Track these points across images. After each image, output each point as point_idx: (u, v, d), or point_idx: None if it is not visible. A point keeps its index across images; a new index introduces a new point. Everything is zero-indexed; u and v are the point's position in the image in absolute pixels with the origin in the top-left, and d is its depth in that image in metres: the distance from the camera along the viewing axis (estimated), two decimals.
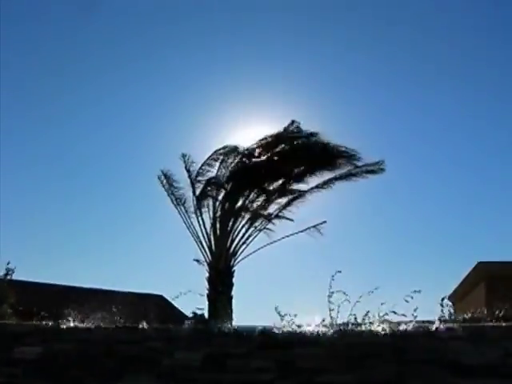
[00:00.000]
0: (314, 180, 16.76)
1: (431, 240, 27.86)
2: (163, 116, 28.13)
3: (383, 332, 5.79)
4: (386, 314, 6.26)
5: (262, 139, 16.31)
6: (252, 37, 26.61)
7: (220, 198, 16.41)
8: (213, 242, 16.02)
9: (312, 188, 16.80)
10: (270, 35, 25.04)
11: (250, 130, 16.87)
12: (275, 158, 16.40)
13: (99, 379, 6.05)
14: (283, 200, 16.96)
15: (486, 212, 28.34)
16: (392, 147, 26.24)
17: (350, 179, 16.49)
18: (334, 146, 16.06)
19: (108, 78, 27.41)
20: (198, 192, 16.47)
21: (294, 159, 16.36)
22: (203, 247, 16.13)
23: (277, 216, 16.86)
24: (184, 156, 16.62)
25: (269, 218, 16.79)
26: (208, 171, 16.66)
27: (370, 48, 25.56)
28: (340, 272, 7.29)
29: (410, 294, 6.64)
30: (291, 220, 17.07)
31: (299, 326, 6.20)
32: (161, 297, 19.16)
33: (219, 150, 16.63)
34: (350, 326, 6.11)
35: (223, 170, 16.61)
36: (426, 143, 28.20)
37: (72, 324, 6.89)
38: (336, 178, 16.55)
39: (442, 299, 6.92)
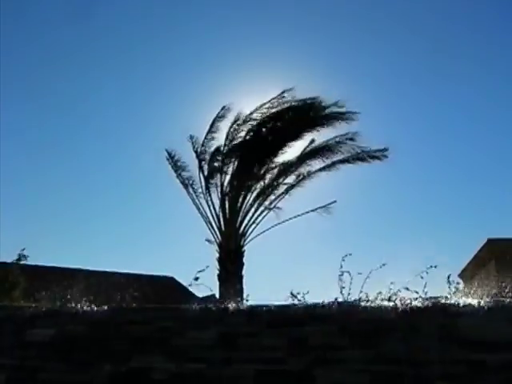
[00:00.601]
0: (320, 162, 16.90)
1: (441, 219, 27.82)
2: (171, 100, 28.11)
3: (395, 308, 5.77)
4: (399, 290, 6.21)
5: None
6: (255, 15, 26.49)
7: (227, 177, 16.45)
8: (222, 222, 16.06)
9: (320, 169, 16.88)
10: (275, 15, 24.92)
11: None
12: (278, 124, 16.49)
13: (111, 360, 6.07)
14: (291, 179, 17.02)
15: (495, 190, 28.25)
16: (401, 127, 26.17)
17: (355, 163, 16.61)
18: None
19: (112, 63, 27.38)
20: (205, 170, 16.53)
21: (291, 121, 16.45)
22: (213, 228, 16.18)
23: (289, 188, 16.93)
24: (192, 137, 16.67)
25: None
26: (212, 143, 16.78)
27: (380, 30, 25.41)
28: (350, 255, 7.25)
29: (426, 270, 6.59)
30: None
31: (310, 304, 6.18)
32: (172, 278, 19.26)
33: (217, 115, 16.71)
34: (361, 303, 6.08)
35: (227, 142, 16.67)
36: (433, 123, 28.09)
37: (84, 306, 6.90)
38: (342, 161, 16.65)
39: (448, 276, 6.82)
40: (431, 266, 6.64)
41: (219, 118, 16.79)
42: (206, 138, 16.73)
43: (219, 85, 24.81)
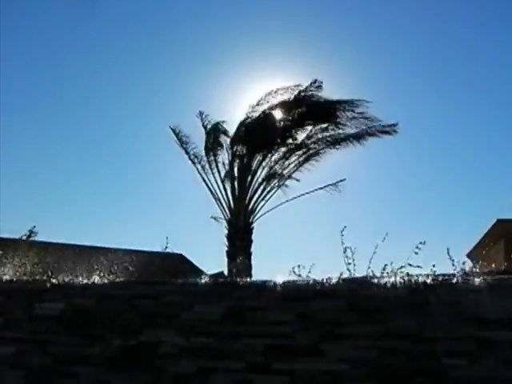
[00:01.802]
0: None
1: (451, 198, 27.70)
2: (184, 75, 27.95)
3: (402, 284, 5.77)
4: (403, 266, 6.18)
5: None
6: None
7: (237, 153, 16.41)
8: (231, 199, 16.05)
9: (329, 144, 16.79)
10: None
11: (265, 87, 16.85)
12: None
13: (120, 334, 6.12)
14: (301, 158, 16.93)
15: (505, 169, 28.01)
16: (409, 102, 25.91)
17: (364, 138, 16.47)
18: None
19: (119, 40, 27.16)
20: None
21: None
22: (222, 204, 16.18)
23: (299, 165, 16.89)
24: (201, 114, 16.60)
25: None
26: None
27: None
28: (345, 227, 7.19)
29: (434, 249, 6.58)
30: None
31: (318, 280, 6.18)
32: (181, 255, 19.28)
33: None
34: (368, 278, 6.07)
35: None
36: (442, 99, 27.74)
37: (93, 280, 6.95)
38: (351, 136, 16.51)
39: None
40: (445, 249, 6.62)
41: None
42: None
43: (226, 65, 24.63)
